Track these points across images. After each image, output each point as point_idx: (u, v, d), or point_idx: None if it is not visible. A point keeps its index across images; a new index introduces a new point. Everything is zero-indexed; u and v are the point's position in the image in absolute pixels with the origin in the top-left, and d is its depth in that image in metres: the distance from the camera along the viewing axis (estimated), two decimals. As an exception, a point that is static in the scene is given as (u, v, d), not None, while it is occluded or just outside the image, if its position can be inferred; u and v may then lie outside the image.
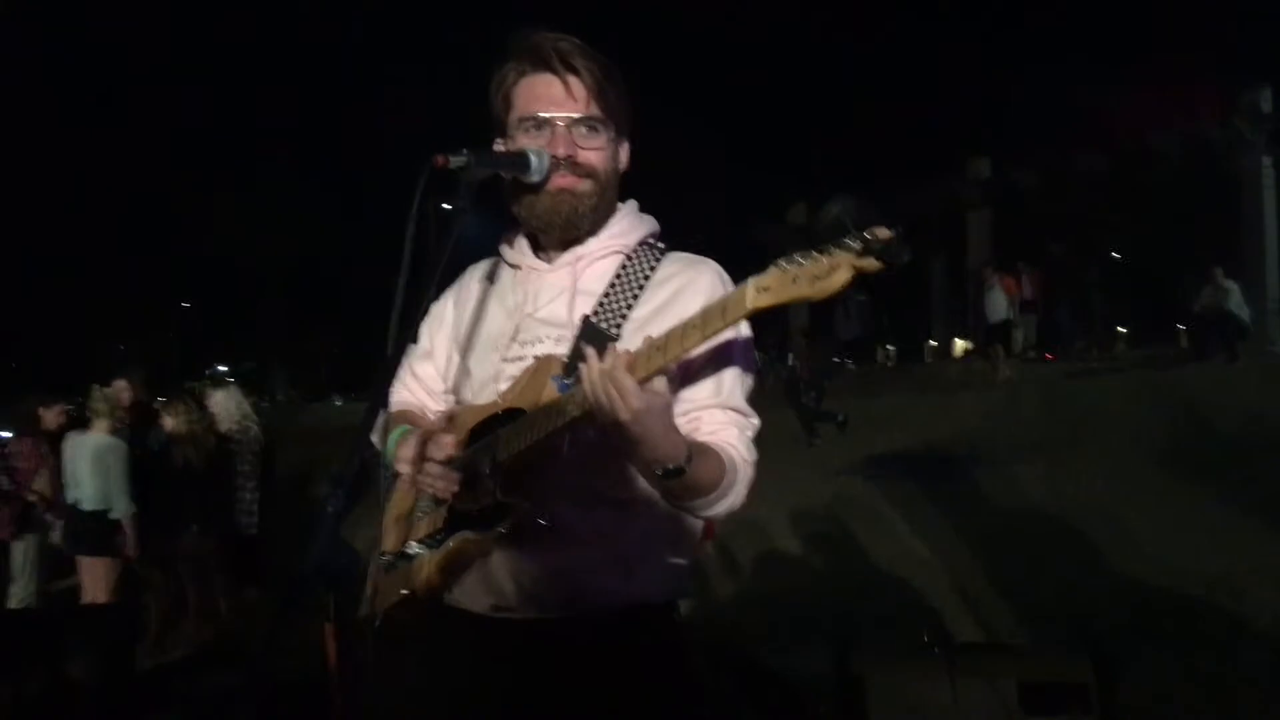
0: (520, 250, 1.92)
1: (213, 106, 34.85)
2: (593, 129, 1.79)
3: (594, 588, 1.74)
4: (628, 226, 1.89)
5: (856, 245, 1.35)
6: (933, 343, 27.87)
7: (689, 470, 1.58)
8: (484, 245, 1.99)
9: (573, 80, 1.76)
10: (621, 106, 1.83)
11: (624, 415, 1.49)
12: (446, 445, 1.74)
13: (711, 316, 1.51)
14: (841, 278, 1.36)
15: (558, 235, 1.85)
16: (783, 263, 1.43)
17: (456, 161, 1.65)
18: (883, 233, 1.34)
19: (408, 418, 1.95)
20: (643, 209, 1.96)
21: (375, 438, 1.87)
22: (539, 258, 1.89)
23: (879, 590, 6.83)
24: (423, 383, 2.04)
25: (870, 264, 1.34)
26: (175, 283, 37.87)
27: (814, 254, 1.40)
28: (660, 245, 1.90)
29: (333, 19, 35.78)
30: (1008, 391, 14.02)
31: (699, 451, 1.63)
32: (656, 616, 1.80)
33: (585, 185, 1.80)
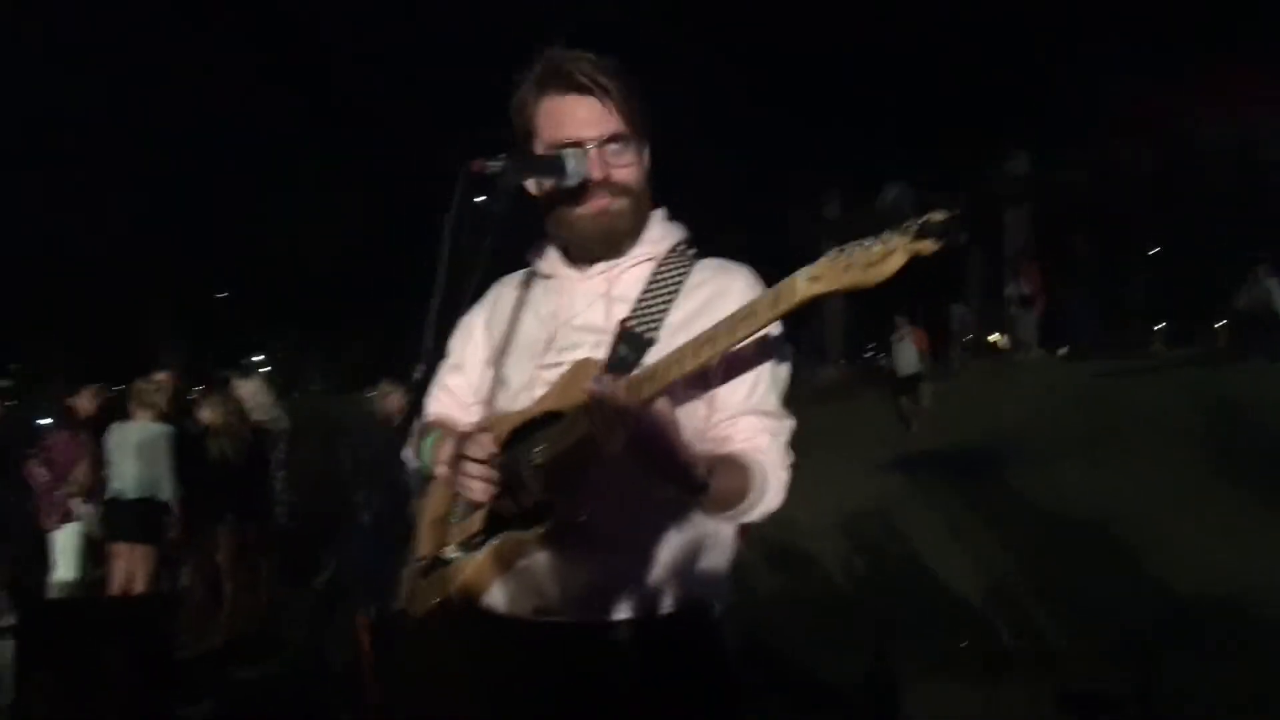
0: (551, 260, 1.92)
1: (251, 101, 35.11)
2: (623, 146, 1.79)
3: (637, 590, 1.74)
4: (658, 234, 1.89)
5: (912, 228, 1.34)
6: (968, 338, 27.59)
7: (711, 485, 1.59)
8: (514, 255, 1.99)
9: (596, 100, 1.76)
10: (641, 113, 1.83)
11: (620, 442, 1.50)
12: (485, 443, 1.73)
13: (762, 307, 1.51)
14: (896, 262, 1.35)
15: (599, 254, 1.85)
16: (834, 252, 1.43)
17: (493, 167, 1.64)
18: (938, 215, 1.33)
19: (441, 426, 1.95)
20: (675, 208, 1.96)
21: (408, 452, 1.87)
22: (571, 267, 1.89)
23: (915, 591, 6.79)
24: (454, 395, 2.04)
25: (926, 246, 1.33)
26: (212, 274, 38.25)
27: (865, 242, 1.39)
28: (691, 251, 1.90)
29: (373, 16, 35.95)
30: (1044, 389, 13.85)
31: (721, 465, 1.65)
32: (698, 619, 1.80)
33: (621, 203, 1.81)
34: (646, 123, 1.85)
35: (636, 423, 1.50)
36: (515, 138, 1.84)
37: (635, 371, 1.65)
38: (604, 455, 1.57)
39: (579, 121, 1.76)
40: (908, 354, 14.89)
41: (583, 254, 1.86)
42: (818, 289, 1.44)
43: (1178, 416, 10.61)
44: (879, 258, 1.36)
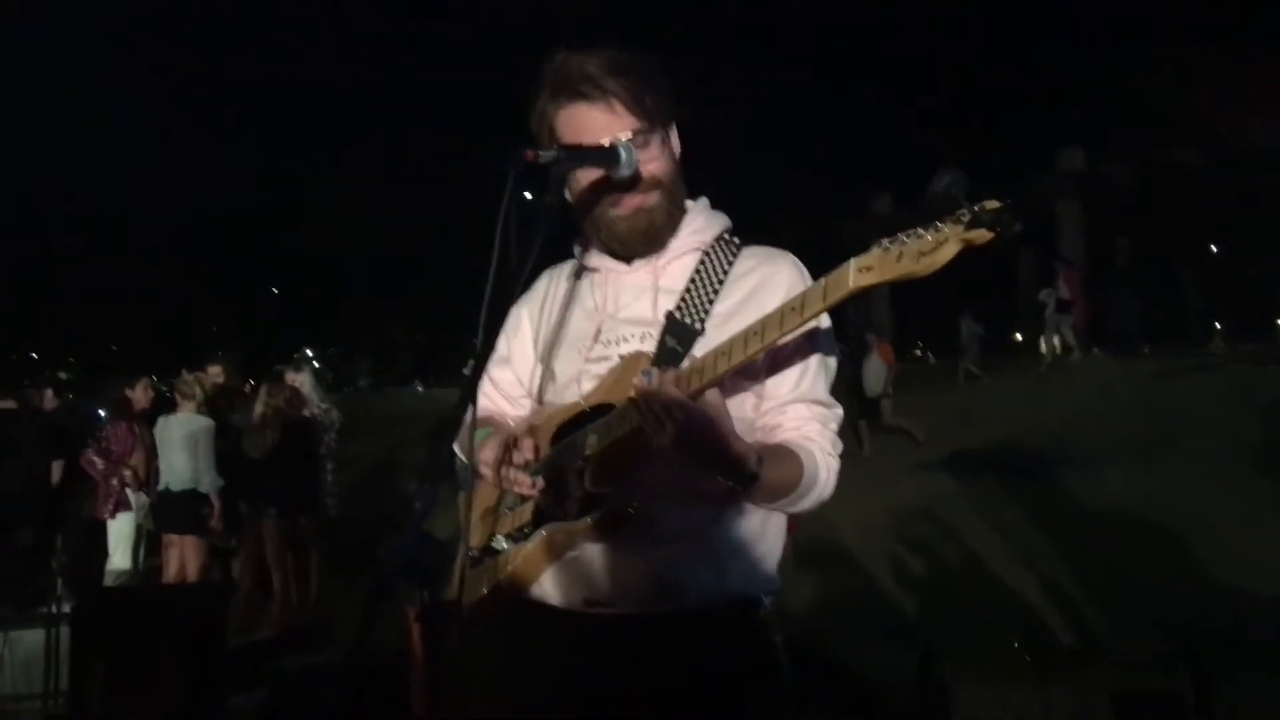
0: (596, 253, 1.92)
1: (304, 104, 35.58)
2: (642, 143, 1.77)
3: (689, 582, 1.73)
4: (703, 224, 1.89)
5: (965, 217, 1.31)
6: (1018, 336, 27.28)
7: (761, 475, 1.60)
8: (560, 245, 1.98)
9: (606, 105, 1.75)
10: (662, 101, 1.81)
11: (675, 432, 1.50)
12: (527, 449, 1.75)
13: (811, 299, 1.50)
14: (949, 251, 1.33)
15: (641, 251, 1.85)
16: (885, 242, 1.41)
17: (546, 156, 1.63)
18: (992, 204, 1.30)
19: (490, 423, 1.96)
20: (723, 204, 1.96)
21: (458, 446, 1.87)
22: (617, 260, 1.89)
23: (964, 591, 6.71)
24: (500, 388, 2.05)
25: (980, 235, 1.30)
26: (266, 271, 38.82)
27: (918, 230, 1.36)
28: (735, 240, 1.89)
29: (421, 20, 36.27)
30: (1097, 388, 13.62)
31: (771, 454, 1.65)
32: (747, 611, 1.80)
33: (654, 198, 1.80)
34: (668, 108, 1.83)
35: (685, 416, 1.49)
36: (536, 139, 1.83)
37: (684, 364, 1.65)
38: (654, 448, 1.57)
39: (598, 128, 1.75)
40: (874, 371, 14.12)
41: (626, 252, 1.86)
42: (868, 280, 1.42)
43: (1234, 416, 10.41)
44: (931, 247, 1.34)
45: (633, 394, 1.55)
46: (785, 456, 1.68)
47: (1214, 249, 23.42)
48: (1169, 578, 6.49)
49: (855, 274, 1.43)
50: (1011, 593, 6.55)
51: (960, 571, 7.19)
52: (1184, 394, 12.14)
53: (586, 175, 1.79)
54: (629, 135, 1.75)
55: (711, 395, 1.54)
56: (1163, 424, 10.73)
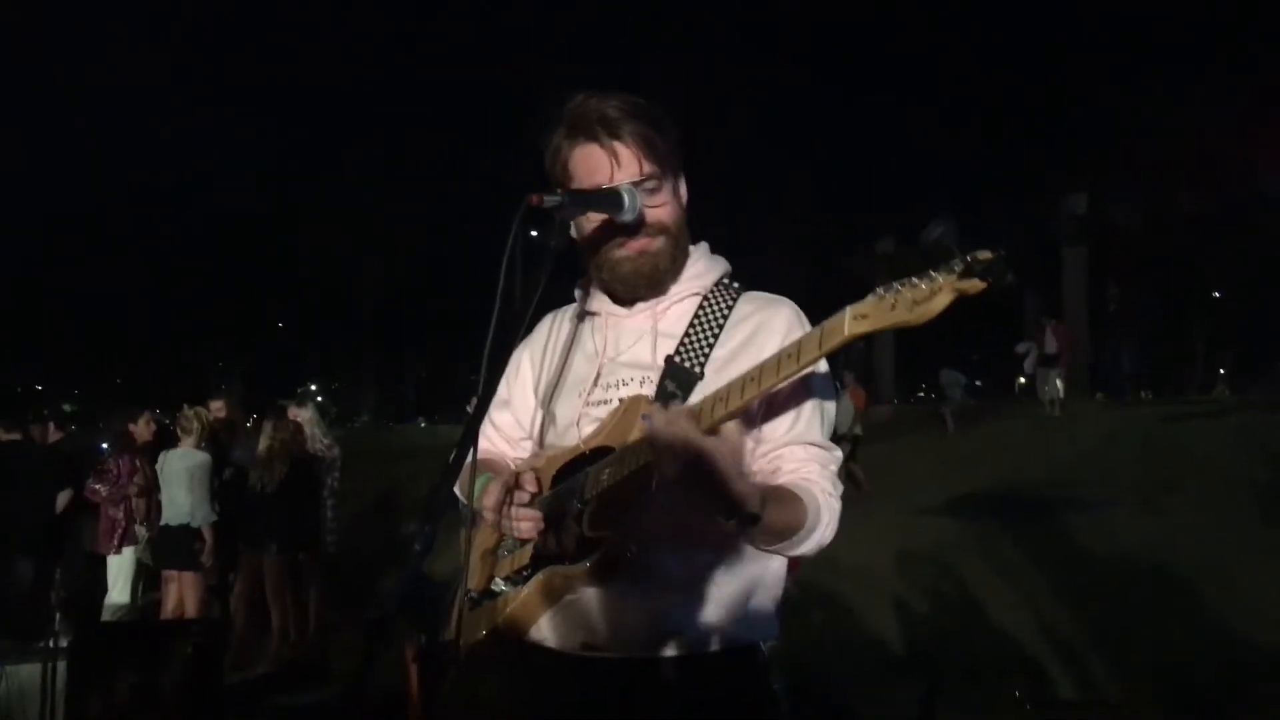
0: (597, 297, 1.94)
1: (310, 132, 35.63)
2: (653, 187, 1.80)
3: (686, 627, 1.73)
4: (703, 269, 1.92)
5: (958, 267, 1.32)
6: (1021, 380, 27.28)
7: (764, 516, 1.57)
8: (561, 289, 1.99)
9: (621, 147, 1.78)
10: (672, 150, 1.84)
11: (683, 466, 1.48)
12: (528, 483, 1.76)
13: (808, 345, 1.51)
14: (943, 301, 1.34)
15: (643, 293, 1.88)
16: (880, 290, 1.41)
17: (551, 201, 1.64)
18: (984, 254, 1.32)
19: (490, 466, 1.96)
20: (730, 245, 1.98)
21: (458, 488, 1.88)
22: (617, 304, 1.91)
23: (965, 636, 6.65)
24: (501, 431, 2.07)
25: (973, 285, 1.31)
26: (271, 304, 38.80)
27: (913, 280, 1.37)
28: (735, 285, 1.92)
29: (429, 53, 36.38)
30: (1101, 433, 13.61)
31: (775, 496, 1.63)
32: (745, 658, 1.79)
33: (659, 242, 1.83)
34: (678, 157, 1.87)
35: (694, 449, 1.48)
36: (550, 176, 1.87)
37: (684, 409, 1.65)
38: (656, 487, 1.57)
39: (610, 169, 1.79)
40: (843, 412, 14.01)
41: (627, 294, 1.89)
42: (863, 328, 1.43)
43: (1238, 462, 10.40)
44: (925, 296, 1.35)
45: (642, 425, 1.54)
46: (786, 499, 1.66)
47: (1217, 295, 23.44)
48: (1172, 623, 6.45)
49: (851, 322, 1.44)
50: (1012, 638, 6.50)
51: (961, 615, 7.14)
52: (1188, 439, 12.13)
53: (595, 215, 1.81)
54: (640, 179, 1.77)
55: (729, 430, 1.52)
56: (1167, 469, 10.71)
